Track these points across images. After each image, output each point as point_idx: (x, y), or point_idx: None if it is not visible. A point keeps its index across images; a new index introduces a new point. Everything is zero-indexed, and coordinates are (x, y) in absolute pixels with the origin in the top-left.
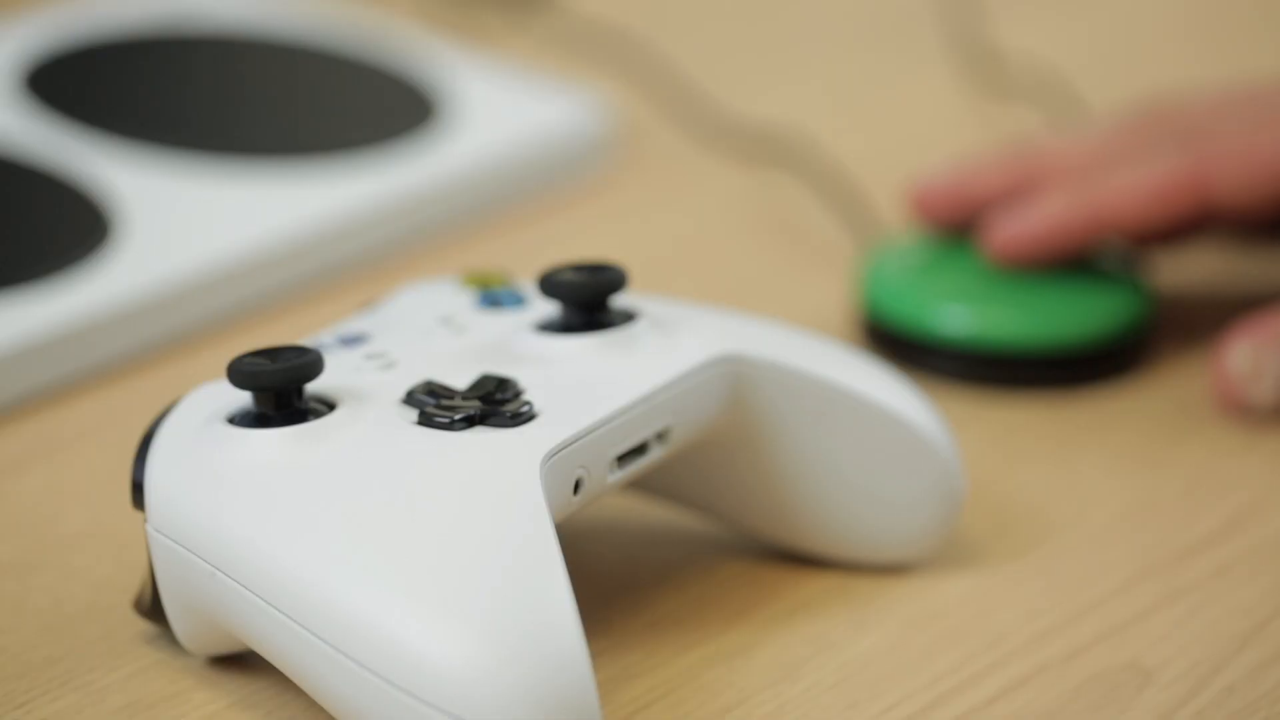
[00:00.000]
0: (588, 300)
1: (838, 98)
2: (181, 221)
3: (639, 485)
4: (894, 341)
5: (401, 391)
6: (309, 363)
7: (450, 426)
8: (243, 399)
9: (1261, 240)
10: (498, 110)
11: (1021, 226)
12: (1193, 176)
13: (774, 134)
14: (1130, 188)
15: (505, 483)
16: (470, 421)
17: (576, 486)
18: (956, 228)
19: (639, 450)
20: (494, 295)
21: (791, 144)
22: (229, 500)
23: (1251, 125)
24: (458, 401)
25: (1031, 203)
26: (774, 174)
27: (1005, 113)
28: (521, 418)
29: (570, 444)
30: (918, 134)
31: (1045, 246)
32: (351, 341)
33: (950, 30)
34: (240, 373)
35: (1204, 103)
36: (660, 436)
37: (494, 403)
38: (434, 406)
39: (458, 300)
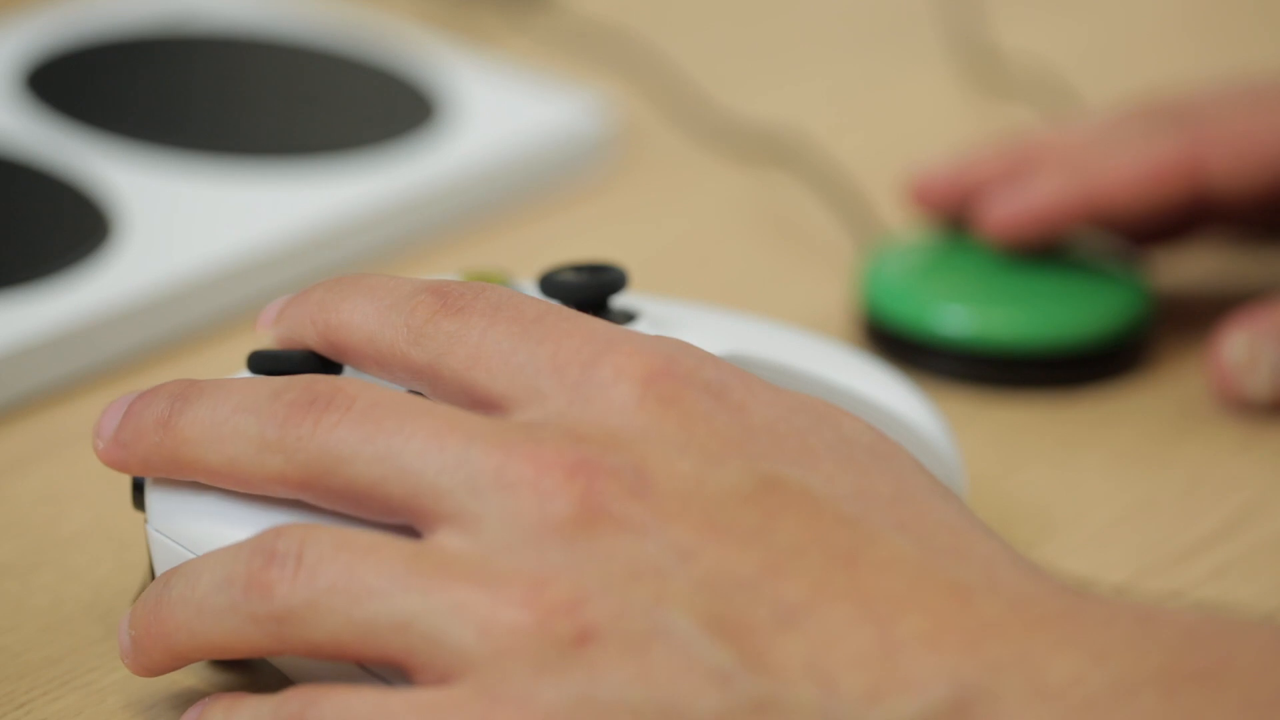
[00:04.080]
0: (588, 300)
1: (837, 98)
2: (182, 221)
3: None
4: (894, 341)
5: (401, 391)
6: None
7: None
8: None
9: (1259, 238)
10: (497, 110)
11: (1016, 204)
12: (1188, 158)
13: (774, 134)
14: (1125, 167)
15: None
16: None
17: None
18: (955, 216)
19: None
20: None
21: (791, 144)
22: (230, 499)
23: (1249, 111)
24: None
25: (1026, 183)
26: (774, 174)
27: (1004, 112)
28: None
29: None
30: (918, 134)
31: (1040, 224)
32: None
33: (949, 30)
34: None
35: (1202, 93)
36: None
37: None
38: None
39: None
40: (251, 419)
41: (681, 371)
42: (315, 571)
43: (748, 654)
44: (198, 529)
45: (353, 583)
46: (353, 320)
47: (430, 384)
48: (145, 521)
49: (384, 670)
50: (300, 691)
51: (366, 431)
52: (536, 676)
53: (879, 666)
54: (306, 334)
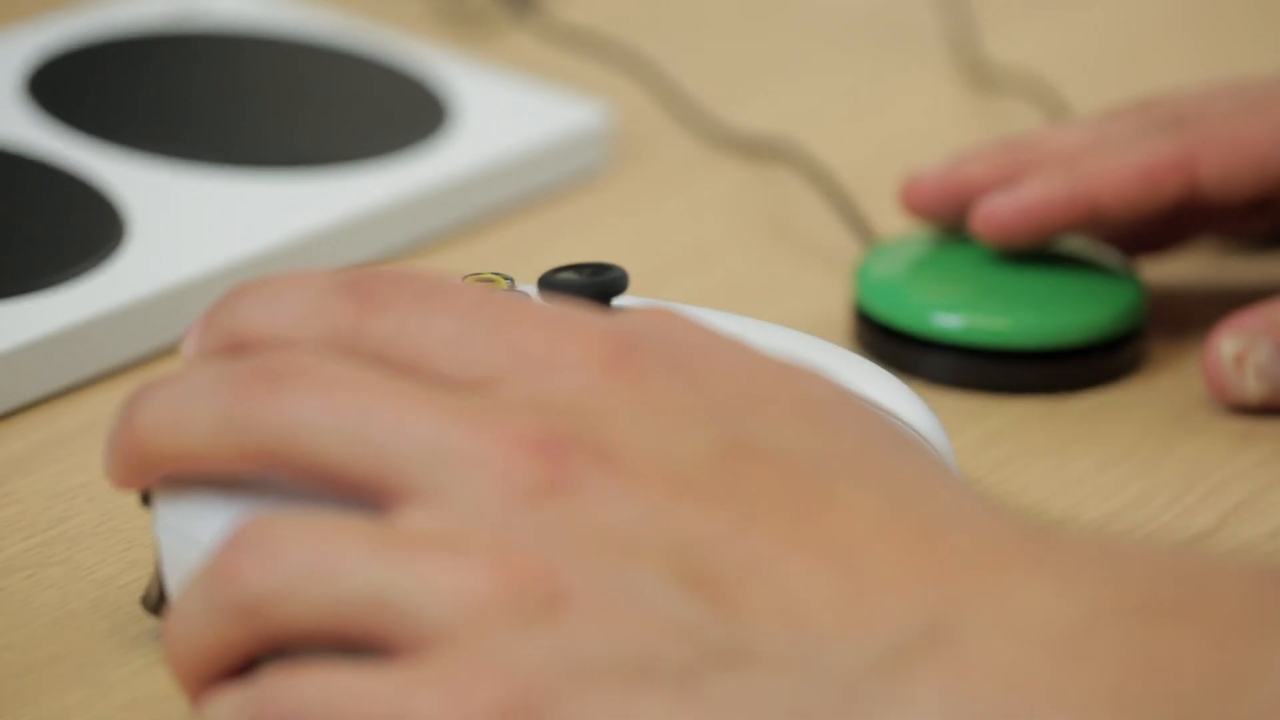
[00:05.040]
0: (590, 301)
1: (836, 100)
2: (189, 224)
3: None
4: (890, 341)
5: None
6: None
7: None
8: None
9: (1254, 239)
10: (498, 112)
11: (1006, 203)
12: (1180, 158)
13: (774, 134)
14: (1117, 167)
15: None
16: None
17: None
18: (948, 220)
19: None
20: None
21: (791, 144)
22: (237, 493)
23: (1245, 114)
24: None
25: (1019, 183)
26: (774, 174)
27: (1002, 116)
28: None
29: None
30: (916, 135)
31: (1030, 223)
32: None
33: (948, 34)
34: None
35: (1198, 94)
36: None
37: None
38: None
39: None
40: (204, 401)
41: (641, 347)
42: (283, 555)
43: (718, 605)
44: (205, 525)
45: (323, 562)
46: (272, 334)
47: None
48: (152, 519)
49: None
50: (278, 672)
51: (327, 406)
52: (513, 643)
53: (849, 606)
54: (224, 350)
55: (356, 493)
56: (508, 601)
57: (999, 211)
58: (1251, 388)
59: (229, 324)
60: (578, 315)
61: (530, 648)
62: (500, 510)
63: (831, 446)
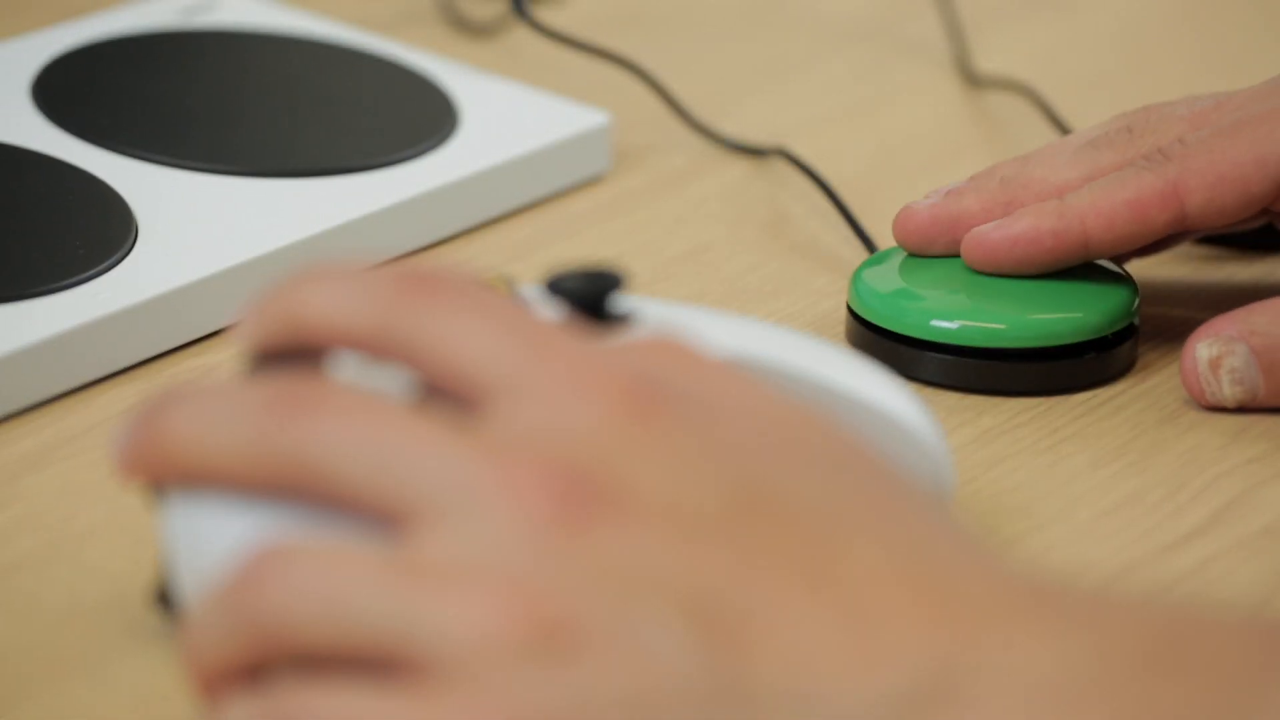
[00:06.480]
0: (586, 302)
1: (835, 102)
2: (195, 226)
3: None
4: (887, 342)
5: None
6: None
7: None
8: None
9: (1244, 240)
10: (500, 116)
11: (997, 231)
12: (1166, 191)
13: (771, 136)
14: (1107, 204)
15: None
16: None
17: None
18: (939, 251)
19: None
20: None
21: (789, 146)
22: (245, 493)
23: (1220, 135)
24: None
25: (1010, 217)
26: (772, 176)
27: (998, 119)
28: None
29: None
30: (915, 137)
31: (1019, 253)
32: None
33: (945, 38)
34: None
35: (1175, 116)
36: None
37: None
38: None
39: None
40: (229, 420)
41: (657, 386)
42: (302, 582)
43: (726, 649)
44: (217, 524)
45: (340, 592)
46: (325, 311)
47: (405, 363)
48: (163, 513)
49: None
50: (293, 683)
51: (349, 434)
52: (521, 679)
53: (854, 654)
54: (282, 334)
55: (375, 516)
56: (517, 637)
57: (989, 240)
58: (1227, 392)
59: (284, 312)
60: (601, 353)
61: (538, 685)
62: (514, 545)
63: (841, 495)
